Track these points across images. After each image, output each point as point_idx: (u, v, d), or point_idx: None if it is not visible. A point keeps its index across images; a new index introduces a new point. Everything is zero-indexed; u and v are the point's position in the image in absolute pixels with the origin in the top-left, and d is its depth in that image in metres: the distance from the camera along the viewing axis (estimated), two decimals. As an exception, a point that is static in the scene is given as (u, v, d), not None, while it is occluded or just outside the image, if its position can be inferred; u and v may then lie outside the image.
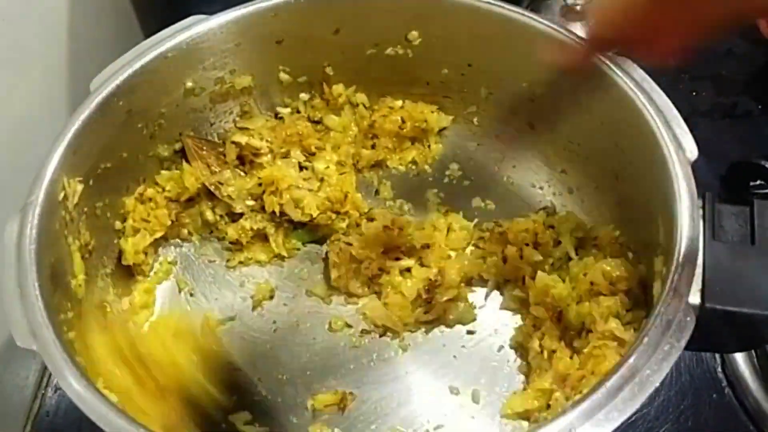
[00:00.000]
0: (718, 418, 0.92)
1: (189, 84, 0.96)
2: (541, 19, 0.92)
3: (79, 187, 0.84)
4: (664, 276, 0.71)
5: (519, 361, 0.90)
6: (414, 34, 1.00)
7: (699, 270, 0.71)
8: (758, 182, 1.03)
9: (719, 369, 0.95)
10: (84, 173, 0.85)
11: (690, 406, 0.92)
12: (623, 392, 0.63)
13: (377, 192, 1.06)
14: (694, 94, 1.22)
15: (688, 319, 0.67)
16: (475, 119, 1.06)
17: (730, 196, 1.03)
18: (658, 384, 0.64)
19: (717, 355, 0.96)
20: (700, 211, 0.75)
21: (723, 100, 1.22)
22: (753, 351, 0.94)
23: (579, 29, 1.18)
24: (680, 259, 0.70)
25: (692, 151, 0.79)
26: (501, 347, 0.91)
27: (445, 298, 0.92)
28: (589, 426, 0.62)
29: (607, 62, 0.86)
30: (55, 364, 0.67)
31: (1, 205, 0.82)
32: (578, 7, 1.22)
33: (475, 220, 1.00)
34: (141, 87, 0.91)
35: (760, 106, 1.20)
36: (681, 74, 1.24)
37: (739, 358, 0.94)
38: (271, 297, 0.96)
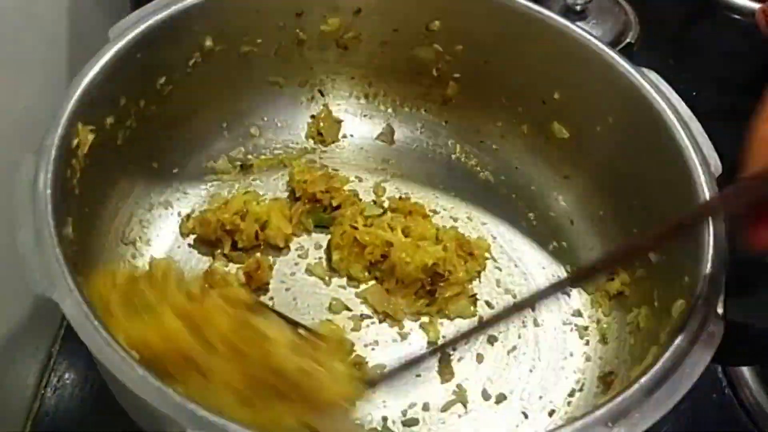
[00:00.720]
0: (718, 418, 0.93)
1: (208, 43, 0.93)
2: (566, 21, 0.93)
3: (90, 137, 0.80)
4: (691, 288, 0.72)
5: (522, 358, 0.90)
6: (436, 23, 0.99)
7: (723, 281, 0.72)
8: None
9: (720, 370, 0.96)
10: (97, 123, 0.81)
11: (690, 407, 0.92)
12: (658, 392, 0.64)
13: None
14: (695, 94, 1.23)
15: (717, 329, 0.68)
16: (481, 116, 1.05)
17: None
18: (689, 387, 0.65)
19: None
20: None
21: (724, 100, 1.23)
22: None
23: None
24: (708, 271, 0.71)
25: (717, 165, 0.80)
26: (499, 341, 0.91)
27: (448, 294, 0.91)
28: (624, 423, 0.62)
29: (635, 73, 0.87)
30: (73, 314, 0.63)
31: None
32: (578, 7, 1.23)
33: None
34: (160, 41, 0.87)
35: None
36: (682, 74, 1.25)
37: (740, 359, 0.96)
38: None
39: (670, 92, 0.86)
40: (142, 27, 0.85)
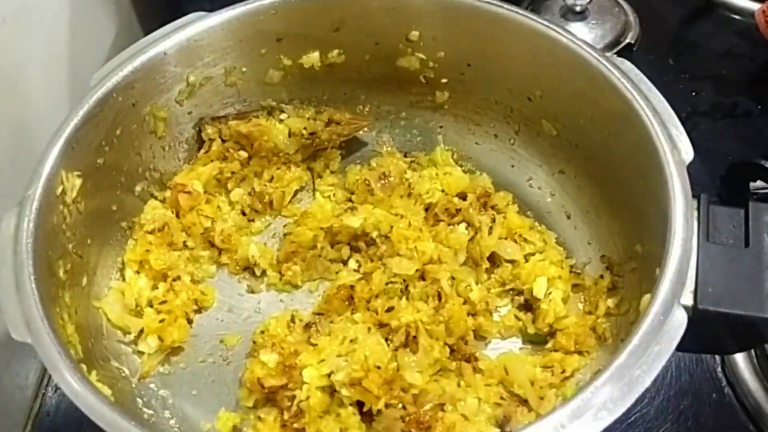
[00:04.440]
0: (717, 418, 0.92)
1: (191, 78, 0.97)
2: (540, 20, 0.92)
3: (78, 182, 0.85)
4: (656, 277, 0.71)
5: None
6: (415, 33, 1.00)
7: (692, 272, 0.71)
8: (758, 182, 1.02)
9: (719, 369, 0.95)
10: (83, 168, 0.86)
11: (690, 406, 0.92)
12: (613, 392, 0.63)
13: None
14: (694, 94, 1.22)
15: (681, 320, 0.68)
16: (474, 118, 1.06)
17: (730, 196, 1.03)
18: (648, 384, 0.64)
19: (717, 355, 0.95)
20: (695, 213, 0.75)
21: (723, 100, 1.22)
22: (752, 351, 0.94)
23: (578, 29, 1.20)
24: (673, 261, 0.71)
25: (688, 152, 0.79)
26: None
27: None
28: (578, 424, 0.62)
29: (605, 63, 0.87)
30: (49, 357, 0.68)
31: (2, 200, 0.82)
32: (578, 8, 1.22)
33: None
34: (141, 83, 0.91)
35: (760, 106, 1.20)
36: (681, 74, 1.25)
37: (739, 358, 0.94)
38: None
39: (642, 80, 0.85)
40: (123, 72, 0.90)
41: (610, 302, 0.89)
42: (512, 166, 1.04)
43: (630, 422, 0.91)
